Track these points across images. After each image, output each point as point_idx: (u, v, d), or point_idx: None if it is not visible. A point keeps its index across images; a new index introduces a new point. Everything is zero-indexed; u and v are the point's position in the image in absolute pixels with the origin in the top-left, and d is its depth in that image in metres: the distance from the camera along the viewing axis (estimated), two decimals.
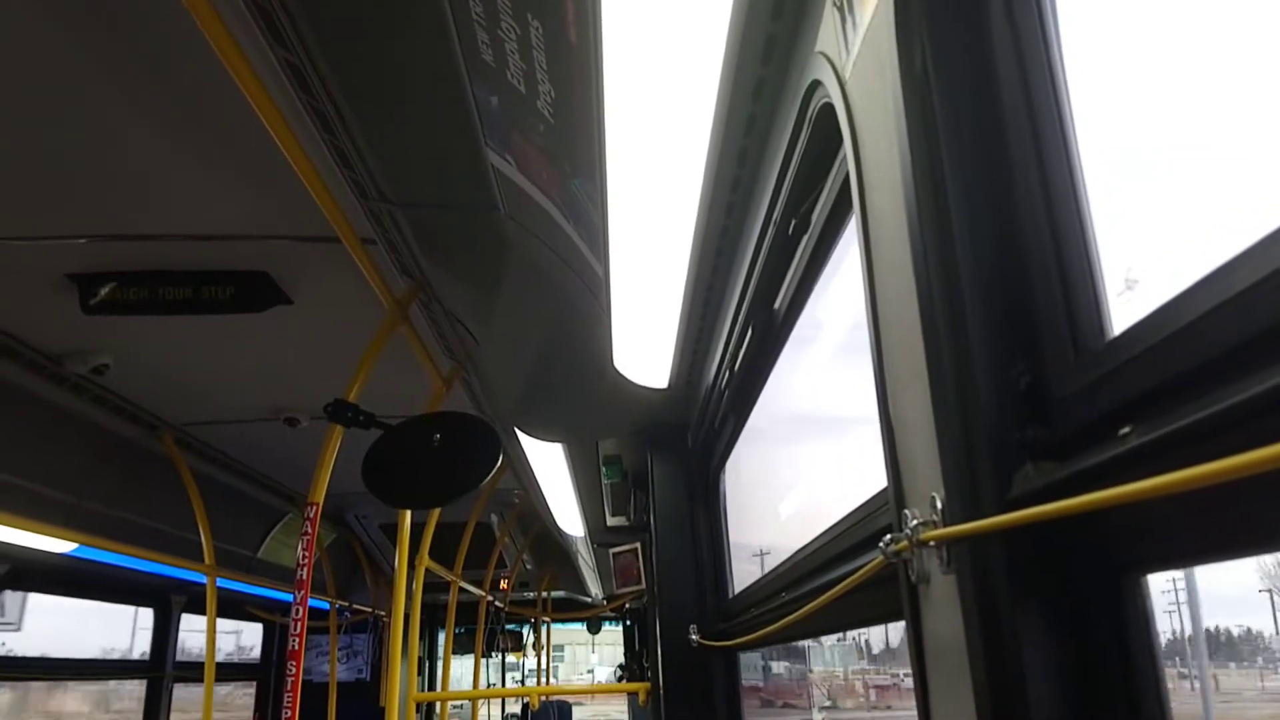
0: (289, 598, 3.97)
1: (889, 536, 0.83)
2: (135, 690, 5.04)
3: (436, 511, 3.57)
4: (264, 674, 6.60)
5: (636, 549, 4.39)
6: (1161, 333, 0.56)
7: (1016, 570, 0.67)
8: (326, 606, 6.79)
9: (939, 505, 0.75)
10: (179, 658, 4.92)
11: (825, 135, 1.19)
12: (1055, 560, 0.67)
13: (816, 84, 1.13)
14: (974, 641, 0.69)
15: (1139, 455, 0.55)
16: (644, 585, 4.21)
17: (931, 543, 0.76)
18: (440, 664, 6.69)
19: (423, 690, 7.95)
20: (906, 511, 0.81)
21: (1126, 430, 0.57)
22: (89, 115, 1.70)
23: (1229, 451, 0.42)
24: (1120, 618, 0.64)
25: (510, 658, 10.11)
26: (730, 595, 2.82)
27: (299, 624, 2.20)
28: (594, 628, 10.60)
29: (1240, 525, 0.53)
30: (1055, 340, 0.70)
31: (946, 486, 0.73)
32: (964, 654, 0.71)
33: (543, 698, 7.53)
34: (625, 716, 11.10)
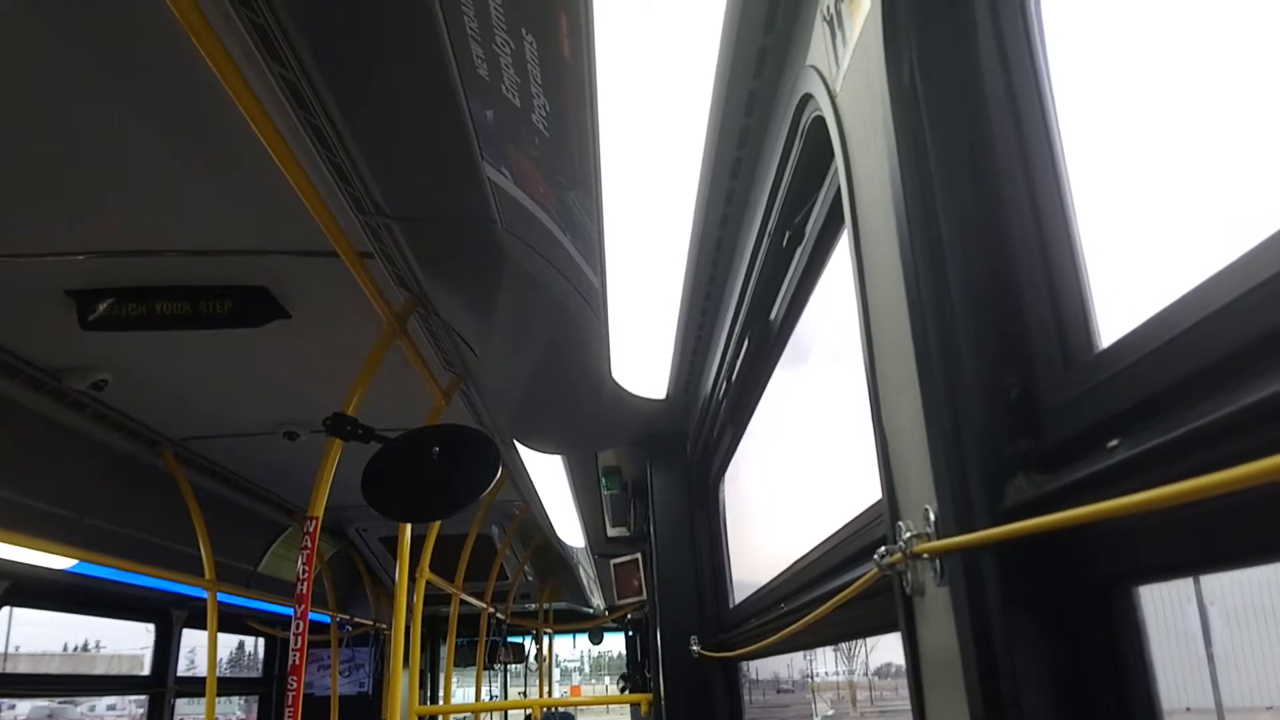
0: (290, 611, 3.96)
1: (883, 549, 0.83)
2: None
3: (437, 524, 3.57)
4: (266, 688, 6.58)
5: (637, 560, 4.37)
6: (1150, 345, 0.56)
7: (1009, 581, 0.67)
8: (328, 620, 6.77)
9: (932, 517, 0.74)
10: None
11: (817, 147, 1.19)
12: (1047, 571, 0.67)
13: (808, 97, 1.14)
14: (968, 653, 0.69)
15: (1127, 468, 0.55)
16: (645, 596, 4.19)
17: (925, 555, 0.76)
18: (442, 677, 6.66)
19: (424, 703, 7.92)
20: (900, 524, 0.81)
21: (1115, 443, 0.57)
22: (87, 132, 1.71)
23: (1217, 464, 0.42)
24: (1112, 629, 0.64)
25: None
26: (730, 606, 2.81)
27: (300, 638, 2.19)
28: (596, 638, 10.56)
29: (1230, 538, 0.53)
30: (1045, 351, 0.70)
31: (939, 498, 0.73)
32: (958, 665, 0.71)
33: (545, 709, 7.49)
34: None
